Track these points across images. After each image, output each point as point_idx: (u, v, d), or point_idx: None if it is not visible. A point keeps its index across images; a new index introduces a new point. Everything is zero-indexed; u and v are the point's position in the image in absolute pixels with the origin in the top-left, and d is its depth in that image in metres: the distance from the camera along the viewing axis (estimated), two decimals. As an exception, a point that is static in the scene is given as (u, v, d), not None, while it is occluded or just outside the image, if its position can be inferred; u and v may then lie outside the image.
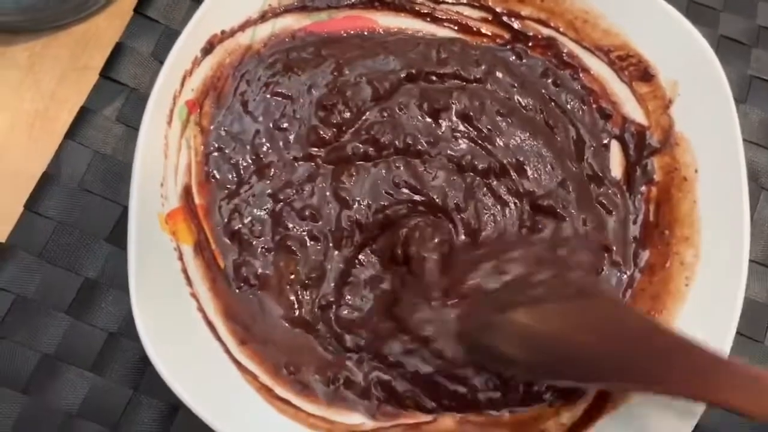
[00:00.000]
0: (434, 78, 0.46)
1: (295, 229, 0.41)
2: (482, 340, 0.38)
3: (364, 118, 0.44)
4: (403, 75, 0.45)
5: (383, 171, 0.43)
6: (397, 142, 0.43)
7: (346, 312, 0.41)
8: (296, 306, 0.40)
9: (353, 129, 0.44)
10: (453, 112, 0.44)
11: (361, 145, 0.43)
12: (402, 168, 0.43)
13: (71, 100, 0.46)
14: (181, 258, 0.39)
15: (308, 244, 0.41)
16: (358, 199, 0.42)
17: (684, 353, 0.33)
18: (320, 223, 0.42)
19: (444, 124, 0.44)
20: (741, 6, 0.53)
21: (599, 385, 0.38)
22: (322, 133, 0.43)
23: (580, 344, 0.35)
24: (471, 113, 0.44)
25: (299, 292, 0.41)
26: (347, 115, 0.43)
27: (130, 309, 0.35)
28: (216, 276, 0.40)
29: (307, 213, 0.42)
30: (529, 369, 0.37)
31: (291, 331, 0.40)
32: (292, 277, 0.41)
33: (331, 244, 0.42)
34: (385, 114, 0.44)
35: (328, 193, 0.42)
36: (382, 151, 0.43)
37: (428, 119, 0.44)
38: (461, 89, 0.45)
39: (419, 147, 0.43)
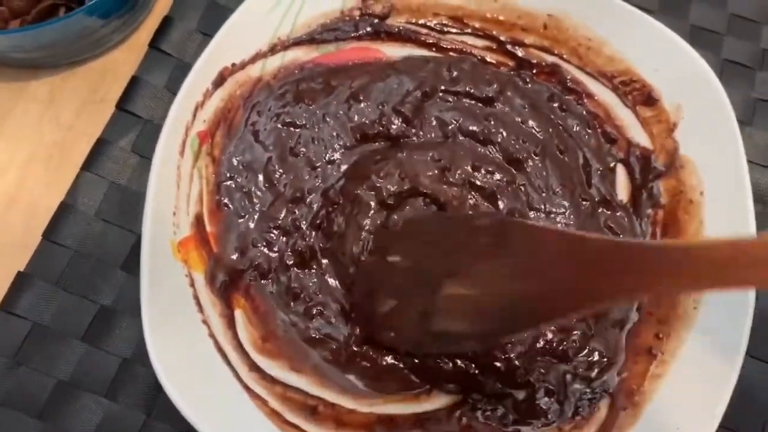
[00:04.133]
0: (449, 99, 0.47)
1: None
2: (431, 329, 0.35)
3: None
4: (419, 95, 0.46)
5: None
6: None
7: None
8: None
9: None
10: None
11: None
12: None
13: (88, 132, 0.47)
14: (192, 285, 0.39)
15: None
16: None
17: (649, 251, 0.29)
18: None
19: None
20: (744, 30, 0.54)
21: (573, 316, 0.35)
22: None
23: (523, 291, 0.31)
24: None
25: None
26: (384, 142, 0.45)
27: (143, 335, 0.36)
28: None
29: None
30: (485, 335, 0.34)
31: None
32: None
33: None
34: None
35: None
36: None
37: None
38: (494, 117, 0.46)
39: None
